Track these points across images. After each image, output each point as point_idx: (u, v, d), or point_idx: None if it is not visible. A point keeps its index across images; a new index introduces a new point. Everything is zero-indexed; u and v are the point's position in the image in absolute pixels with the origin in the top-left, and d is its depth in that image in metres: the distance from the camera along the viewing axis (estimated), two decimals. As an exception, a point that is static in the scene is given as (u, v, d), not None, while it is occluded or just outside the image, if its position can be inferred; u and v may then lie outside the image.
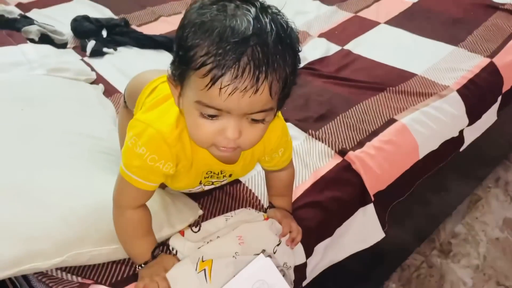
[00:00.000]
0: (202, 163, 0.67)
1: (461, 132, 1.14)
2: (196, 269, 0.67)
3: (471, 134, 1.19)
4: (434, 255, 1.39)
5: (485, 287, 1.31)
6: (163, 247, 0.74)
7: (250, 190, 0.86)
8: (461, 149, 1.18)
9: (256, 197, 0.85)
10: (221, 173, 0.71)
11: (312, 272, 0.85)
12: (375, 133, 0.99)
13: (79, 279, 0.68)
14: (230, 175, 0.74)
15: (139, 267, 0.69)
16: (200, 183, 0.72)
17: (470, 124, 1.14)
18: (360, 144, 0.96)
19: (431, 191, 1.32)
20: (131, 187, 0.63)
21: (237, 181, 0.87)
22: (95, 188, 0.73)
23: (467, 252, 1.40)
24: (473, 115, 1.15)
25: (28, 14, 1.54)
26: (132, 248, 0.69)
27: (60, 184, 0.73)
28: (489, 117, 1.26)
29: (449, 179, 1.38)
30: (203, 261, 0.67)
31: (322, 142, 0.96)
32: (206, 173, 0.70)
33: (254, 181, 0.89)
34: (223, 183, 0.77)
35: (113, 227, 0.67)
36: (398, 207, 1.07)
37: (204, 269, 0.66)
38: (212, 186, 0.76)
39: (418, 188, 1.17)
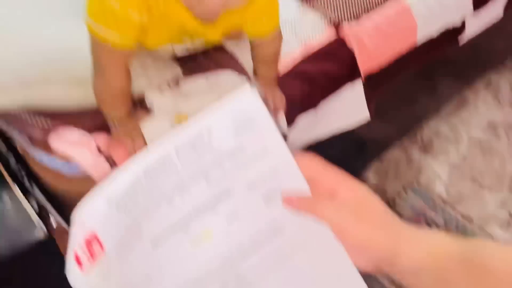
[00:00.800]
0: (175, 19, 0.60)
1: (463, 23, 1.08)
2: (172, 123, 0.64)
3: (473, 25, 1.12)
4: (415, 150, 1.39)
5: (460, 184, 1.34)
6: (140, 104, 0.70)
7: (237, 60, 0.81)
8: (460, 43, 1.13)
9: (242, 66, 0.80)
10: (196, 34, 0.65)
11: (292, 146, 0.83)
12: (374, 8, 0.92)
13: (49, 122, 0.64)
14: (206, 39, 0.68)
15: (114, 123, 0.65)
16: (174, 43, 0.66)
17: (474, 9, 1.08)
18: (356, 18, 0.89)
19: (420, 86, 1.28)
20: (104, 46, 0.56)
21: (222, 49, 0.82)
22: (66, 33, 0.67)
23: (447, 150, 1.41)
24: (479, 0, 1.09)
25: None
26: (108, 112, 0.65)
27: (31, 24, 0.66)
28: (494, 10, 1.19)
29: (440, 76, 1.35)
30: (180, 115, 0.64)
31: (316, 11, 0.89)
32: (180, 32, 0.63)
33: (241, 49, 0.83)
34: (197, 46, 0.71)
35: (85, 73, 0.62)
36: (384, 99, 1.04)
37: (181, 123, 0.63)
38: (185, 48, 0.70)
39: (408, 80, 1.13)
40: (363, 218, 0.41)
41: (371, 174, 1.32)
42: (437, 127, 1.46)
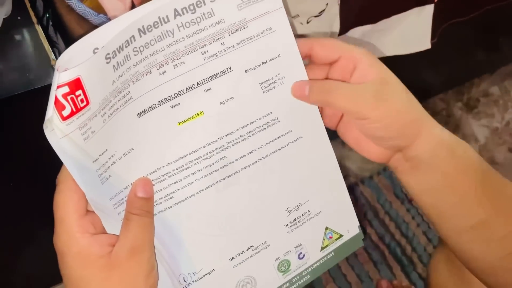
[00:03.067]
0: None
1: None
2: None
3: None
4: (457, 106, 1.31)
5: (495, 150, 1.26)
6: None
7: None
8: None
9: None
10: None
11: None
12: None
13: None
14: None
15: None
16: None
17: None
18: None
19: (481, 40, 1.18)
20: None
21: None
22: None
23: (491, 113, 1.32)
24: None
25: None
26: None
27: None
28: None
29: (505, 34, 1.23)
30: None
31: None
32: None
33: None
34: None
35: None
36: (439, 43, 0.95)
37: None
38: None
39: (468, 30, 1.03)
40: (383, 104, 0.39)
41: (405, 119, 1.25)
42: (487, 88, 1.36)
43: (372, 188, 1.16)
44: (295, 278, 0.43)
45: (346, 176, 1.19)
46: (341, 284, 1.05)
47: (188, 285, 0.40)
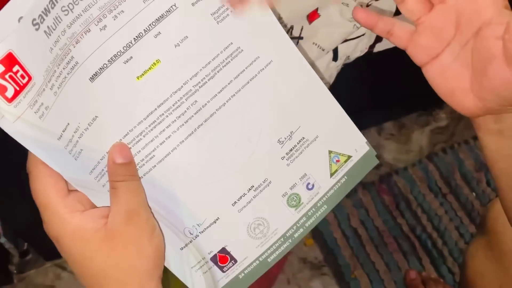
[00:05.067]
0: None
1: None
2: None
3: None
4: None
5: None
6: None
7: None
8: None
9: None
10: None
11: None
12: None
13: None
14: None
15: None
16: None
17: None
18: None
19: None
20: None
21: None
22: None
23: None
24: None
25: None
26: None
27: None
28: None
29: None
30: None
31: None
32: None
33: None
34: None
35: None
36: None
37: None
38: None
39: None
40: None
41: (443, 115, 1.24)
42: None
43: (406, 179, 1.15)
44: (311, 211, 0.42)
45: (379, 166, 1.18)
46: (369, 271, 1.05)
47: (196, 237, 0.39)
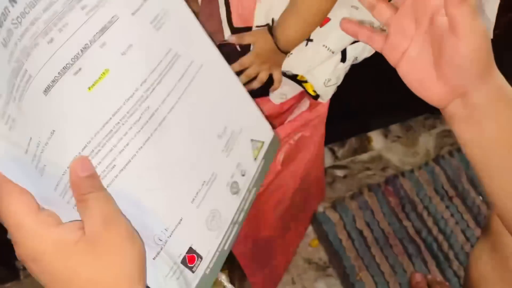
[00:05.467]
0: None
1: None
2: None
3: None
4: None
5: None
6: None
7: None
8: None
9: None
10: None
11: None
12: None
13: None
14: None
15: None
16: None
17: None
18: None
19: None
20: None
21: None
22: None
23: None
24: None
25: None
26: None
27: None
28: None
29: None
30: None
31: None
32: None
33: None
34: None
35: None
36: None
37: None
38: None
39: None
40: (477, 30, 0.39)
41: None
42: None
43: (412, 182, 1.15)
44: (246, 194, 0.46)
45: (385, 168, 1.18)
46: (374, 273, 1.05)
47: (165, 243, 0.39)
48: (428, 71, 0.42)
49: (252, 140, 0.47)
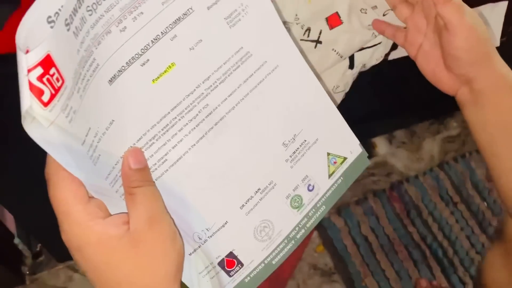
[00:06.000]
0: None
1: None
2: None
3: None
4: None
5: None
6: None
7: None
8: None
9: None
10: None
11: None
12: None
13: None
14: None
15: None
16: None
17: None
18: None
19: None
20: None
21: None
22: None
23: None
24: None
25: None
26: None
27: None
28: None
29: None
30: None
31: None
32: None
33: None
34: None
35: None
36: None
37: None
38: None
39: None
40: (476, 27, 0.45)
41: (455, 123, 1.24)
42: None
43: (417, 187, 1.15)
44: (311, 212, 0.42)
45: (390, 174, 1.18)
46: (379, 279, 1.05)
47: (204, 242, 0.38)
48: (438, 63, 0.48)
49: (329, 153, 0.43)
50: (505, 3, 0.77)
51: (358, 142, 0.44)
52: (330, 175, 0.43)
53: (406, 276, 1.05)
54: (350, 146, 0.44)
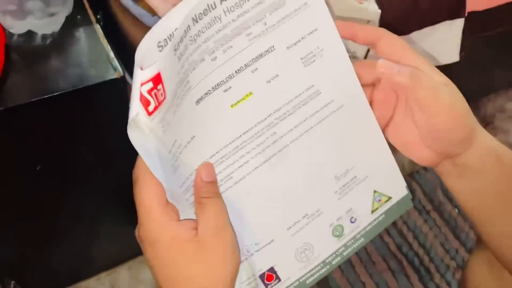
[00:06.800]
0: None
1: None
2: None
3: None
4: (474, 121, 1.33)
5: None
6: None
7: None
8: None
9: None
10: None
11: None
12: None
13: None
14: None
15: None
16: None
17: None
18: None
19: (503, 53, 1.20)
20: None
21: None
22: None
23: (507, 129, 1.34)
24: None
25: None
26: None
27: None
28: None
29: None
30: None
31: None
32: None
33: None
34: None
35: None
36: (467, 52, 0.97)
37: None
38: None
39: (484, 47, 1.05)
40: (452, 104, 0.40)
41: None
42: (503, 103, 1.38)
43: (390, 198, 1.17)
44: (350, 242, 0.45)
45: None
46: (359, 291, 1.07)
47: (251, 255, 0.42)
48: (412, 136, 0.43)
49: (375, 191, 0.45)
50: (462, 20, 0.81)
51: (405, 184, 0.46)
52: (373, 211, 0.46)
53: (385, 287, 1.07)
54: (396, 187, 0.46)
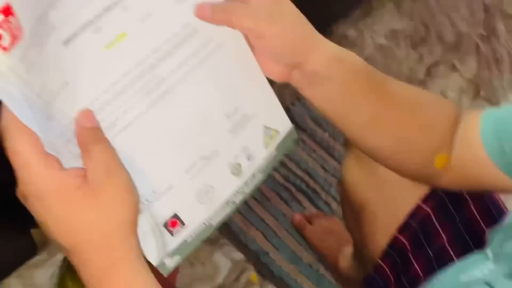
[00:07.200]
0: None
1: None
2: None
3: None
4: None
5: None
6: None
7: None
8: None
9: None
10: None
11: None
12: None
13: None
14: None
15: None
16: None
17: None
18: None
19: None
20: None
21: None
22: None
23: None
24: None
25: None
26: None
27: None
28: None
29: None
30: None
31: None
32: None
33: None
34: None
35: None
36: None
37: None
38: None
39: None
40: (278, 21, 0.43)
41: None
42: (344, 31, 1.52)
43: (268, 137, 1.25)
44: (249, 179, 0.47)
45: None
46: (261, 227, 1.14)
47: (151, 204, 0.41)
48: (260, 56, 0.46)
49: (265, 127, 0.47)
50: None
51: (288, 119, 0.49)
52: (265, 146, 0.47)
53: (282, 217, 1.16)
54: (282, 122, 0.49)
